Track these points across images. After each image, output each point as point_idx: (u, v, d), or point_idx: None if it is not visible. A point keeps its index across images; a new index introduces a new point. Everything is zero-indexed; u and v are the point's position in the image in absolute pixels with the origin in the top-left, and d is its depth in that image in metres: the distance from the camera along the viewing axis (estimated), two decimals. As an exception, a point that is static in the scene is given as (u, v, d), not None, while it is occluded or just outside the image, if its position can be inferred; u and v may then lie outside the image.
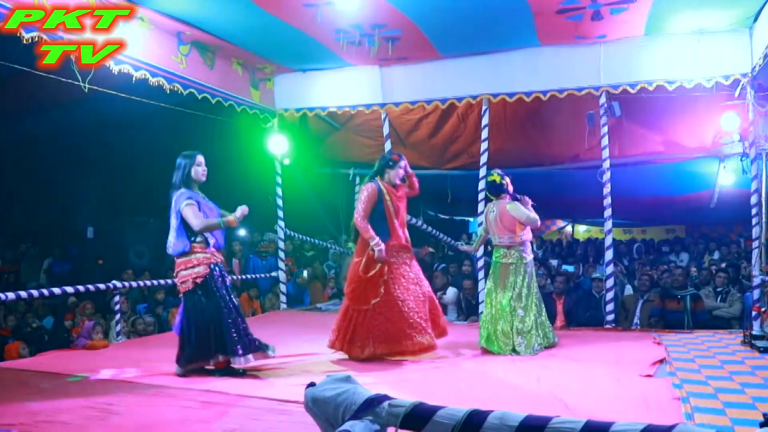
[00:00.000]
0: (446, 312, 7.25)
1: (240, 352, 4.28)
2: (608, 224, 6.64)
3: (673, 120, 7.77)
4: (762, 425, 1.97)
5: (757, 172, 6.39)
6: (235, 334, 4.29)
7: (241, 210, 4.43)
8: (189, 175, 4.40)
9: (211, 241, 4.43)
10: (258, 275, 8.71)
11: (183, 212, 4.28)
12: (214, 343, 4.32)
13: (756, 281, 6.12)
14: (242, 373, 4.34)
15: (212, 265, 4.38)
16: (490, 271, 5.44)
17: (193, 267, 4.35)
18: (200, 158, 4.46)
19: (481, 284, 6.97)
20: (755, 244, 6.27)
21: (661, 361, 4.68)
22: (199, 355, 4.35)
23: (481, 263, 7.13)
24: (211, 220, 4.34)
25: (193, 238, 4.36)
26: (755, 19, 5.80)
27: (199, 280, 4.33)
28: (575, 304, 7.20)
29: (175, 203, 4.34)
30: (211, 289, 4.34)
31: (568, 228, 16.78)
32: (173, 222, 4.35)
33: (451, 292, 7.68)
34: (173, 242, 4.36)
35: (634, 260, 10.43)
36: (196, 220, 4.25)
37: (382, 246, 4.83)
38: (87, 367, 4.60)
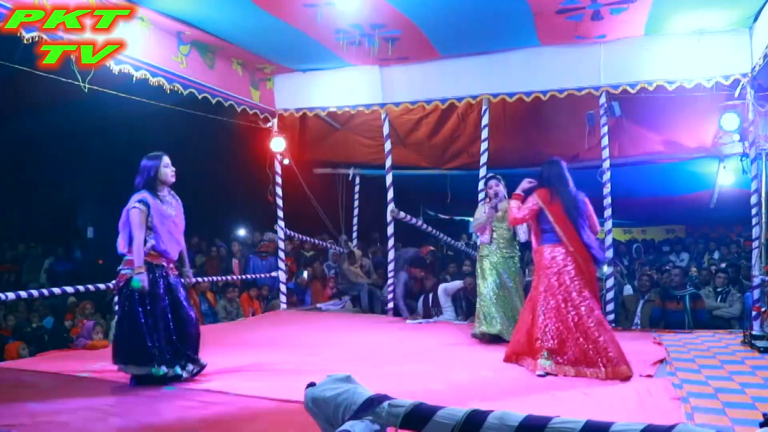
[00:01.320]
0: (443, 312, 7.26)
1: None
2: (608, 224, 6.64)
3: (673, 120, 7.77)
4: (762, 425, 1.97)
5: (757, 172, 6.39)
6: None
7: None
8: (156, 177, 4.22)
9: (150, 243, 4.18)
10: (258, 275, 8.71)
11: (129, 213, 4.09)
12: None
13: (756, 281, 6.12)
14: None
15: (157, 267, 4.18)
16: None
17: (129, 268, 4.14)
18: (167, 159, 4.30)
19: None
20: (755, 244, 6.27)
21: (661, 361, 4.68)
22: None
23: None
24: (139, 249, 4.05)
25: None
26: (755, 19, 5.79)
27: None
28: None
29: (129, 202, 4.15)
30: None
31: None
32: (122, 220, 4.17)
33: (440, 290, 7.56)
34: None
35: (634, 260, 10.44)
36: (135, 230, 4.04)
37: None
38: (87, 368, 4.59)
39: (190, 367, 4.20)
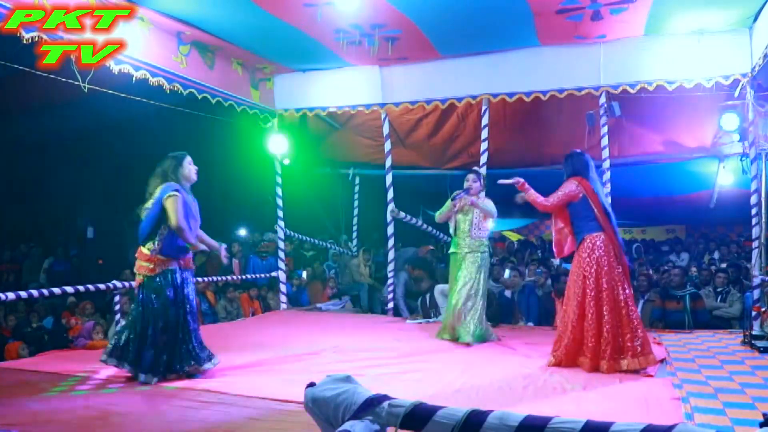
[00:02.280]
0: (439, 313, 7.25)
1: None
2: (608, 224, 6.63)
3: (672, 120, 7.77)
4: (762, 425, 1.97)
5: (757, 172, 6.40)
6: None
7: (223, 249, 4.61)
8: (181, 172, 4.31)
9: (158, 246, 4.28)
10: (258, 275, 8.71)
11: (165, 203, 4.17)
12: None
13: (756, 281, 6.12)
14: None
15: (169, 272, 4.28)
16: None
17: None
18: (189, 158, 4.40)
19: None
20: (755, 244, 6.28)
21: (662, 361, 4.68)
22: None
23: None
24: (188, 233, 4.20)
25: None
26: (755, 19, 5.79)
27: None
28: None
29: (161, 192, 4.21)
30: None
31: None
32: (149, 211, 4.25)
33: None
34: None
35: (633, 260, 10.43)
36: (180, 216, 4.14)
37: None
38: (87, 368, 4.59)
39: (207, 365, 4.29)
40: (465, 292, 5.60)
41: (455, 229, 5.82)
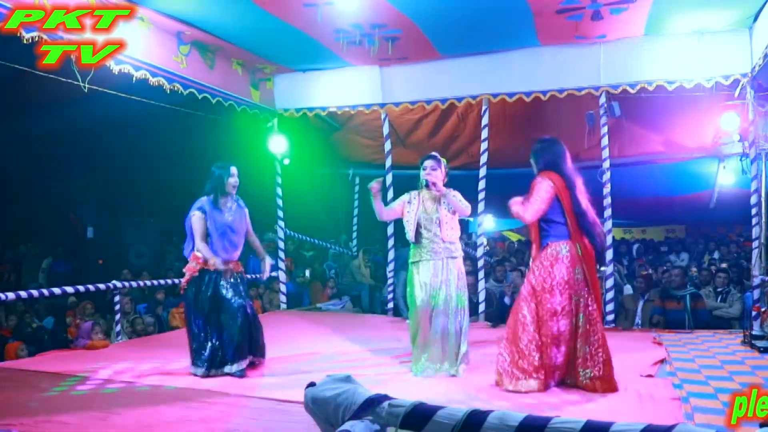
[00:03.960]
0: None
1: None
2: (608, 224, 6.63)
3: (673, 120, 7.77)
4: (762, 425, 1.97)
5: (757, 172, 6.40)
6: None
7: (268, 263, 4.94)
8: (222, 185, 4.61)
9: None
10: (258, 275, 8.69)
11: (189, 220, 4.59)
12: None
13: (756, 281, 6.12)
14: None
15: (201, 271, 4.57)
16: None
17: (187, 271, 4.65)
18: (233, 169, 4.68)
19: (481, 284, 6.98)
20: (755, 244, 6.27)
21: (662, 361, 4.68)
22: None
23: (481, 263, 7.13)
24: (204, 247, 4.53)
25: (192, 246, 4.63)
26: (755, 19, 5.80)
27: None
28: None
29: (190, 208, 4.64)
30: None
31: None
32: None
33: None
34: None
35: (633, 260, 10.43)
36: (195, 234, 4.55)
37: None
38: (87, 368, 4.60)
39: (227, 368, 4.41)
40: (453, 310, 4.43)
41: (415, 233, 4.57)
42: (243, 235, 4.74)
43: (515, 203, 4.01)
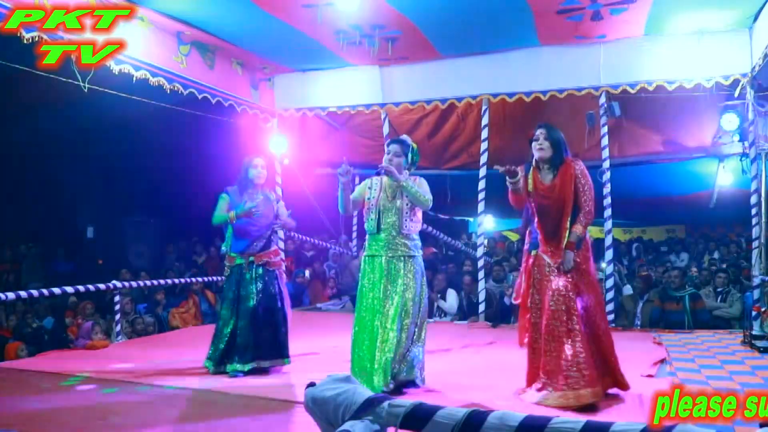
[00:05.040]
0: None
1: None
2: (608, 224, 6.64)
3: (672, 120, 7.77)
4: (762, 425, 1.97)
5: (757, 172, 6.40)
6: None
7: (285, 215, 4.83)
8: (246, 176, 4.65)
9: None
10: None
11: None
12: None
13: (756, 281, 6.12)
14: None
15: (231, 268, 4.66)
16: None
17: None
18: (256, 161, 4.69)
19: (480, 284, 6.97)
20: (755, 244, 6.27)
21: (662, 361, 4.68)
22: None
23: (481, 263, 7.13)
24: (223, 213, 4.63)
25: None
26: (755, 19, 5.80)
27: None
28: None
29: None
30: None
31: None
32: None
33: (451, 296, 7.43)
34: None
35: (633, 260, 10.43)
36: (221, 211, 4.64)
37: None
38: (87, 368, 4.59)
39: (229, 366, 4.42)
40: (412, 314, 3.93)
41: (374, 224, 4.13)
42: (265, 227, 4.67)
43: (587, 214, 3.98)
